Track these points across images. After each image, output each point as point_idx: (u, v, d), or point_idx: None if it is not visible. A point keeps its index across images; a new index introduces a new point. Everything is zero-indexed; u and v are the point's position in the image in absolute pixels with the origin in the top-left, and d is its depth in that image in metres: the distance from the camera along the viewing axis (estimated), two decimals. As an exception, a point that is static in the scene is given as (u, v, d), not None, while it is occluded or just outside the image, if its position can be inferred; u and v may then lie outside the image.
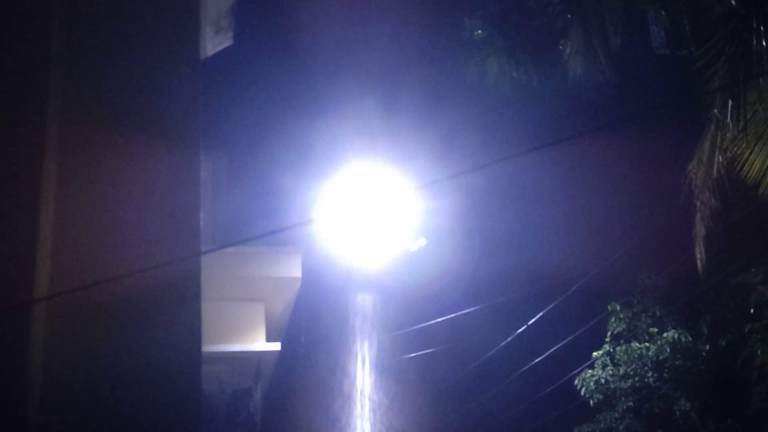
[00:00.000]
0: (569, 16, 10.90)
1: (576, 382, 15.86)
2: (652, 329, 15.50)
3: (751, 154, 9.22)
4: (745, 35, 9.07)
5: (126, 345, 5.60)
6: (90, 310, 5.57)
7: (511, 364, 17.12)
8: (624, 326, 15.76)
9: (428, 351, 17.82)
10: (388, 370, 16.81)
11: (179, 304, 5.79)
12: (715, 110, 9.54)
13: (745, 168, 9.29)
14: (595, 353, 15.84)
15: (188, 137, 6.17)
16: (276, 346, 9.97)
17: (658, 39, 12.61)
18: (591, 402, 15.70)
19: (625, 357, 15.36)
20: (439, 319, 16.97)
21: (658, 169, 14.53)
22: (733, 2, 9.15)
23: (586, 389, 15.66)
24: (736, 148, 9.40)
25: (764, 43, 8.94)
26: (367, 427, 15.87)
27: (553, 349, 16.33)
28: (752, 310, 12.54)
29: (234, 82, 12.73)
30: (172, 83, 6.22)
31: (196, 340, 5.83)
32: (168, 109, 6.18)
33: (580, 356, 16.05)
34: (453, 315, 16.78)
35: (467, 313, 16.66)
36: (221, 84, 11.76)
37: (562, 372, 16.24)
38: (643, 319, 15.67)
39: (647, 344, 15.29)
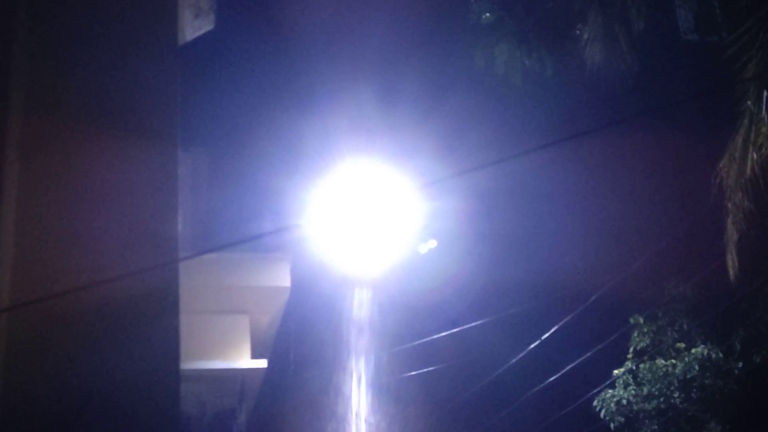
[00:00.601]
0: (587, -3, 10.93)
1: (595, 403, 15.85)
2: (678, 344, 15.49)
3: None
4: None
5: (97, 361, 5.61)
6: (57, 322, 5.57)
7: (523, 383, 17.11)
8: (648, 341, 15.76)
9: (431, 368, 17.81)
10: (386, 390, 16.81)
11: (155, 317, 5.82)
12: (749, 102, 9.55)
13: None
14: (615, 371, 15.85)
15: (165, 131, 6.17)
16: (262, 363, 10.01)
17: (686, 23, 12.64)
18: (611, 425, 15.69)
19: (649, 375, 15.36)
20: (444, 333, 16.96)
21: (686, 167, 14.54)
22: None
23: (606, 411, 15.66)
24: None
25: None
26: (364, 453, 15.88)
27: (570, 366, 16.32)
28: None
29: (215, 71, 12.71)
30: (147, 71, 6.22)
31: (174, 356, 5.85)
32: (142, 100, 6.18)
33: (599, 374, 16.05)
34: (459, 329, 16.76)
35: (475, 326, 16.63)
36: (201, 72, 11.74)
37: (580, 392, 16.23)
38: (669, 333, 15.68)
39: (673, 361, 15.29)
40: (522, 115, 13.87)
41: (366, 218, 12.60)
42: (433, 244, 15.27)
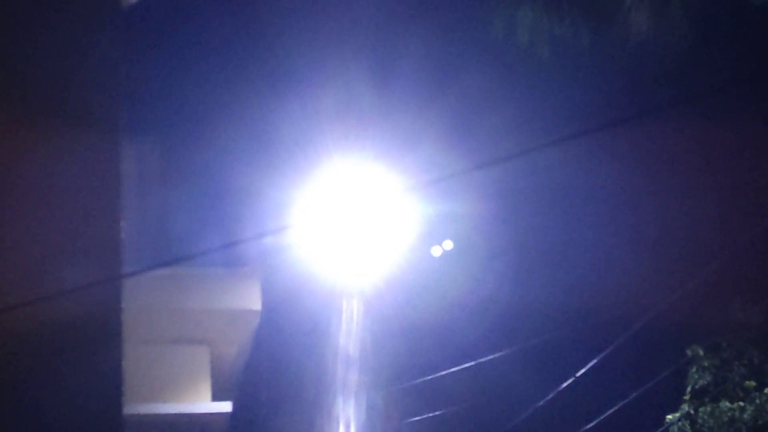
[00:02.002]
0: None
1: (643, 456, 15.89)
2: (748, 383, 15.51)
3: None
4: None
5: (19, 403, 5.63)
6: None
7: (553, 431, 17.12)
8: (709, 378, 15.78)
9: (439, 413, 17.83)
10: (382, 440, 16.84)
11: (92, 348, 5.86)
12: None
13: None
14: (669, 416, 15.87)
15: (105, 116, 6.20)
16: (226, 407, 10.08)
17: (756, -18, 12.67)
18: (664, 483, 15.72)
19: (712, 421, 15.38)
20: (455, 369, 16.99)
21: (753, 161, 14.57)
22: None
23: (657, 466, 15.68)
24: None
25: None
26: None
27: (612, 410, 16.33)
28: None
29: (171, 40, 12.75)
30: (83, 42, 6.22)
31: (117, 397, 5.91)
32: (77, 78, 6.18)
33: (648, 420, 16.08)
34: (474, 362, 16.80)
35: (494, 358, 16.66)
36: (153, 42, 11.79)
37: (624, 443, 16.29)
38: (736, 368, 15.70)
39: (741, 403, 15.31)
40: (550, 96, 13.88)
41: (357, 224, 12.68)
42: (448, 245, 15.31)
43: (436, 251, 15.71)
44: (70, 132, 6.09)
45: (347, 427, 15.85)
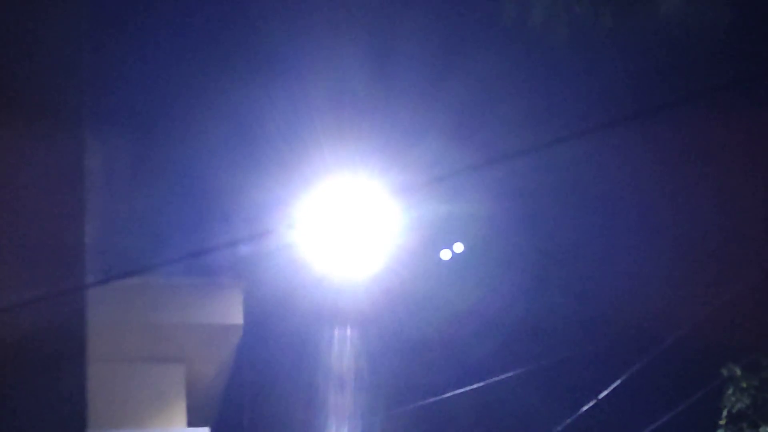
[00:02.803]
0: None
1: (674, 488, 15.92)
2: (791, 406, 15.55)
3: None
4: None
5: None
6: None
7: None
8: (748, 401, 15.79)
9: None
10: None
11: (52, 367, 5.91)
12: None
13: None
14: (703, 443, 15.91)
15: (66, 109, 6.26)
16: (203, 432, 10.08)
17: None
18: None
19: (750, 449, 15.41)
20: (461, 390, 17.02)
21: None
22: None
23: (689, 499, 15.71)
24: None
25: None
26: None
27: (639, 436, 16.39)
28: None
29: (141, 24, 12.76)
30: (40, 21, 6.23)
31: (79, 421, 5.93)
32: (34, 64, 6.21)
33: (680, 448, 16.13)
34: (483, 383, 16.84)
35: (506, 378, 16.68)
36: (121, 23, 11.79)
37: (653, 472, 16.32)
38: (778, 389, 15.74)
39: (784, 429, 15.35)
40: (570, 84, 13.90)
41: (353, 226, 12.62)
42: (459, 247, 15.43)
43: (445, 255, 15.66)
44: (27, 125, 6.12)
45: (340, 455, 15.89)
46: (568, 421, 16.68)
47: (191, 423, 10.09)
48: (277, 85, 13.87)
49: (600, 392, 16.10)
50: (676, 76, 12.25)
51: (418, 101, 14.09)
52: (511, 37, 11.57)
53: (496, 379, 16.73)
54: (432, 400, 17.21)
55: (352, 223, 11.98)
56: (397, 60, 13.94)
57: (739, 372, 15.89)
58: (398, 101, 13.97)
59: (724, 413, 15.92)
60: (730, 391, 15.88)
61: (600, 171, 16.30)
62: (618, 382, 15.92)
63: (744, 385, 15.86)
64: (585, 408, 16.46)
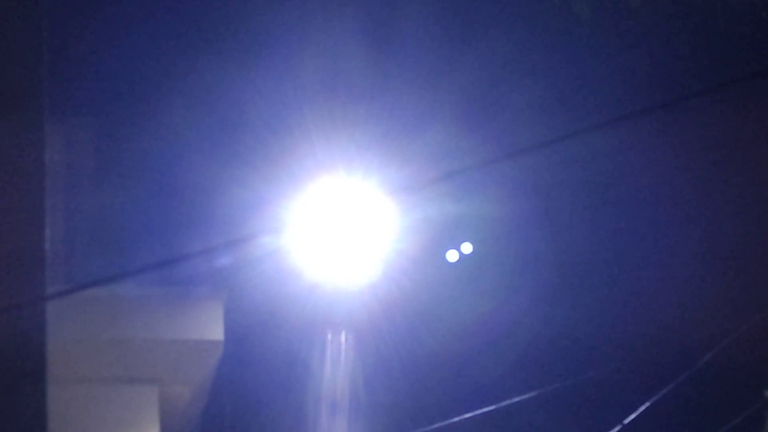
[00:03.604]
0: None
1: None
2: (841, 431, 15.56)
3: None
4: None
5: None
6: None
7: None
8: (794, 427, 15.83)
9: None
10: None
11: (9, 387, 5.92)
12: None
13: None
14: (742, 474, 15.90)
15: (24, 99, 6.24)
16: (180, 462, 10.15)
17: None
18: None
19: (796, 480, 15.41)
20: (470, 414, 17.03)
21: None
22: None
23: None
24: None
25: None
26: None
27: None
28: None
29: (109, 4, 12.77)
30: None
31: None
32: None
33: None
34: (494, 406, 16.83)
35: (521, 400, 16.66)
36: (87, 8, 11.79)
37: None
38: (828, 413, 15.75)
39: (833, 458, 15.35)
40: (593, 67, 13.88)
41: (348, 228, 12.67)
42: (467, 248, 15.45)
43: (453, 256, 15.72)
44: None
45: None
46: (592, 448, 16.70)
47: (166, 451, 10.17)
48: (261, 70, 13.85)
49: (626, 417, 16.11)
50: (715, 58, 12.20)
51: (420, 89, 14.10)
52: (528, 15, 11.53)
53: (509, 402, 16.72)
54: (437, 425, 17.19)
55: (346, 225, 12.05)
56: (396, 43, 13.95)
57: (782, 394, 15.92)
58: (398, 89, 14.00)
59: (766, 440, 15.96)
60: (772, 416, 15.93)
61: (628, 166, 16.27)
62: (647, 404, 15.91)
63: (789, 408, 15.91)
64: (611, 433, 16.47)
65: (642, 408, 15.94)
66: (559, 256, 16.86)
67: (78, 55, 11.29)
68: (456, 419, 17.05)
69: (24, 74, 6.28)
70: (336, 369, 15.60)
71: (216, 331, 10.07)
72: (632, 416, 16.01)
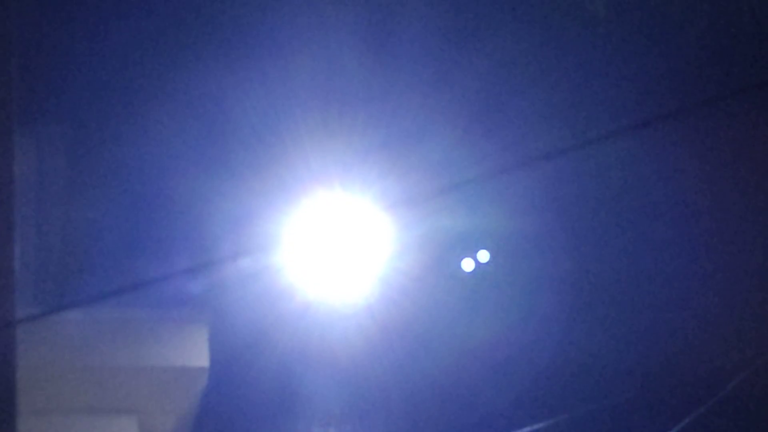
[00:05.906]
0: None
1: None
2: None
3: None
4: None
5: None
6: None
7: None
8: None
9: None
10: None
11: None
12: None
13: None
14: None
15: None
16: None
17: None
18: None
19: None
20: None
21: None
22: None
23: None
24: None
25: None
26: None
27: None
28: None
29: (83, 5, 12.70)
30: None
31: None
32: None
33: None
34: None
35: (538, 429, 16.52)
36: (59, 9, 11.70)
37: None
38: None
39: None
40: (614, 68, 13.81)
41: (343, 245, 12.59)
42: (484, 257, 15.57)
43: (468, 265, 15.78)
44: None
45: None
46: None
47: (146, 488, 10.24)
48: (252, 74, 13.91)
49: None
50: (747, 55, 12.16)
51: (420, 95, 14.10)
52: (542, 13, 11.54)
53: (524, 430, 16.59)
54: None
55: (341, 242, 12.02)
56: (395, 46, 13.99)
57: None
58: (395, 95, 13.99)
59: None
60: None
61: (656, 174, 16.21)
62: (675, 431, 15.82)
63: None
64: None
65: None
66: (573, 275, 16.86)
67: (49, 59, 11.36)
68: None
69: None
70: (331, 395, 15.58)
71: (200, 357, 10.07)
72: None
